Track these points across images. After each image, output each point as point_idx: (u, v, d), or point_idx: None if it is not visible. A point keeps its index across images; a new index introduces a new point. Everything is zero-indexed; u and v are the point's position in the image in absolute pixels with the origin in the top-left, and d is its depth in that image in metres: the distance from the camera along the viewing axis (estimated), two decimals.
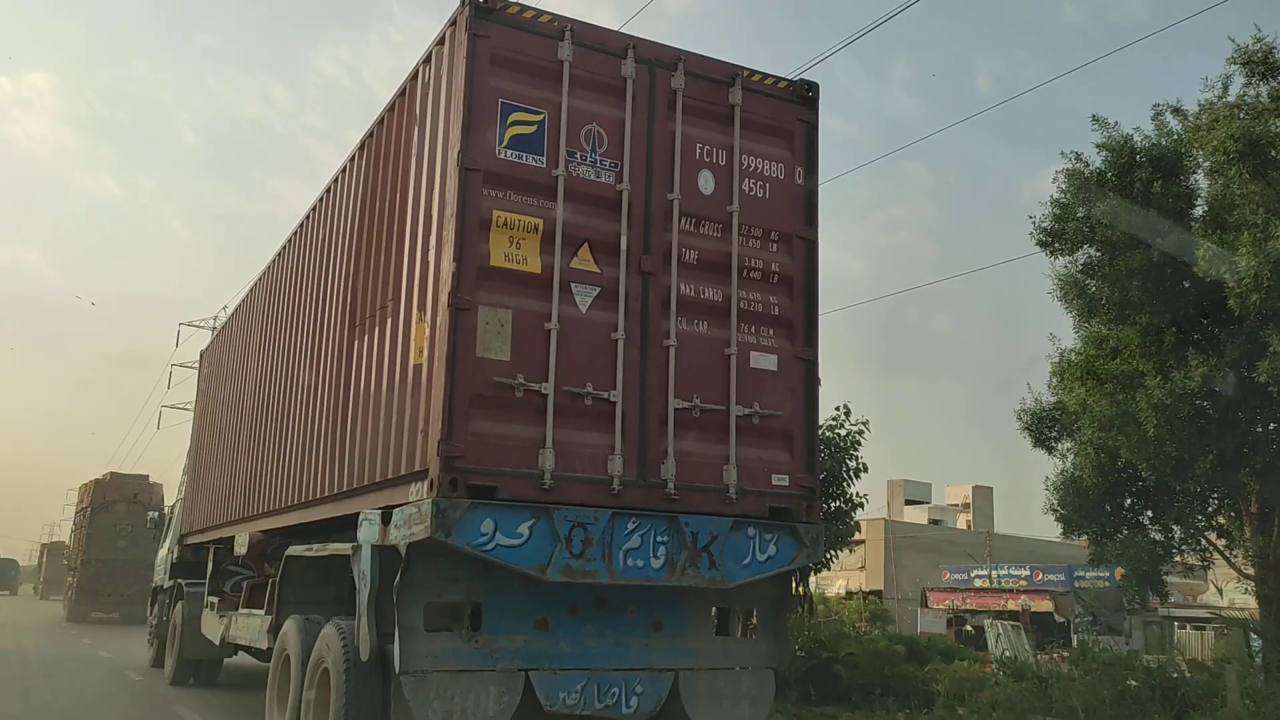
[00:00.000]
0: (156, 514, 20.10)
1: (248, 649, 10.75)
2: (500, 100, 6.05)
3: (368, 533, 6.30)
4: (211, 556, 12.29)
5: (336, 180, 8.62)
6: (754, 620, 7.13)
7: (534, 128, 6.13)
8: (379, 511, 6.21)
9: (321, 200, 9.09)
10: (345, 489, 7.26)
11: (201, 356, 15.57)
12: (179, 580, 13.79)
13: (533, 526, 5.70)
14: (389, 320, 6.74)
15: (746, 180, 6.75)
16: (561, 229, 6.10)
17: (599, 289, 6.19)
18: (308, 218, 9.57)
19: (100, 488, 31.72)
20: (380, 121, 7.57)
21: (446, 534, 5.49)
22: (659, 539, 6.03)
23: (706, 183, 6.63)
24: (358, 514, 6.70)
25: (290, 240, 10.22)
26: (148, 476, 33.06)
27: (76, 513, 36.40)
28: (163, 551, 16.44)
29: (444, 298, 5.82)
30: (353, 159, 8.21)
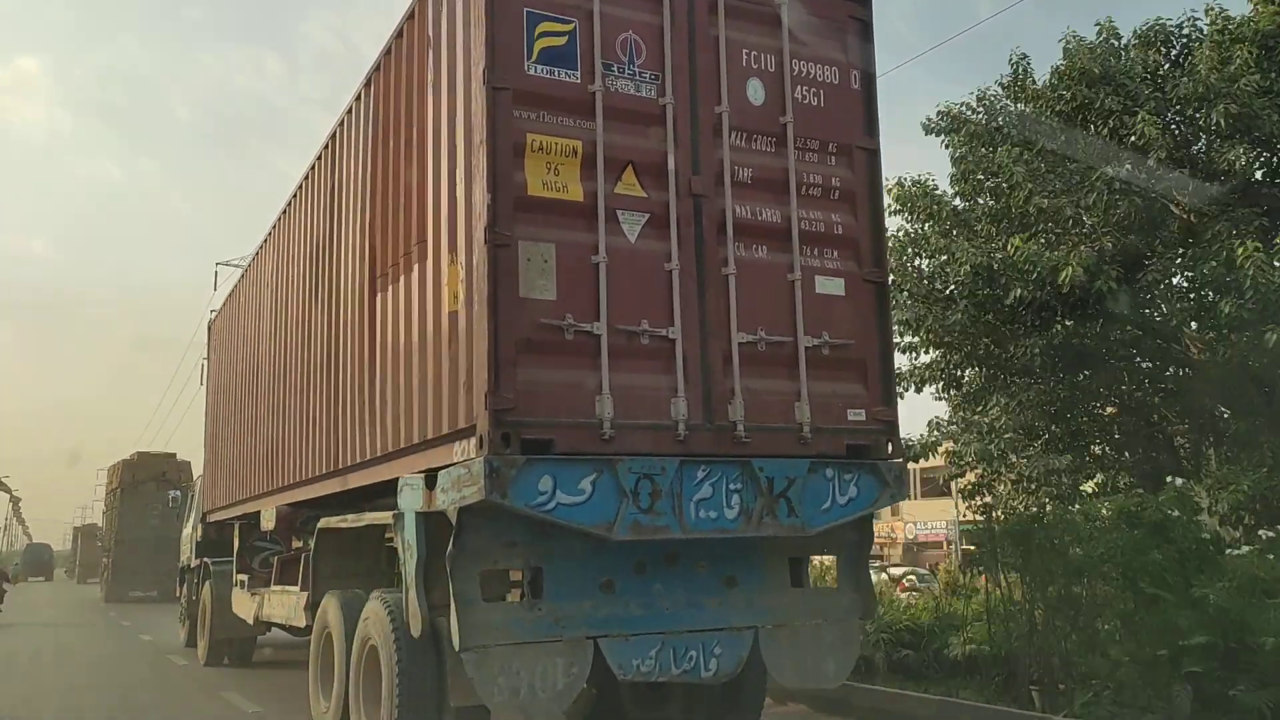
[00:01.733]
0: (178, 493, 19.72)
1: (283, 626, 10.33)
2: (525, 9, 5.40)
3: (410, 499, 5.77)
4: (237, 533, 11.85)
5: (342, 123, 7.97)
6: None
7: (564, 39, 5.49)
8: (421, 475, 5.67)
9: (326, 148, 8.44)
10: (378, 454, 6.72)
11: (209, 328, 14.99)
12: (205, 559, 13.41)
13: (595, 481, 5.15)
14: (415, 267, 6.14)
15: (799, 88, 6.10)
16: (603, 151, 5.48)
17: (647, 215, 5.59)
18: (312, 169, 8.93)
19: (128, 468, 31.66)
20: (387, 51, 6.91)
21: (502, 495, 4.94)
22: (732, 486, 5.48)
23: (756, 92, 5.99)
24: (391, 481, 6.20)
25: (295, 196, 9.59)
26: (174, 454, 33.05)
27: (106, 494, 36.42)
28: (187, 530, 16.07)
29: (479, 234, 5.22)
30: (358, 98, 7.55)
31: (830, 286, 6.03)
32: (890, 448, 6.06)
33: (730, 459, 5.52)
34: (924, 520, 46.18)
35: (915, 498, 48.27)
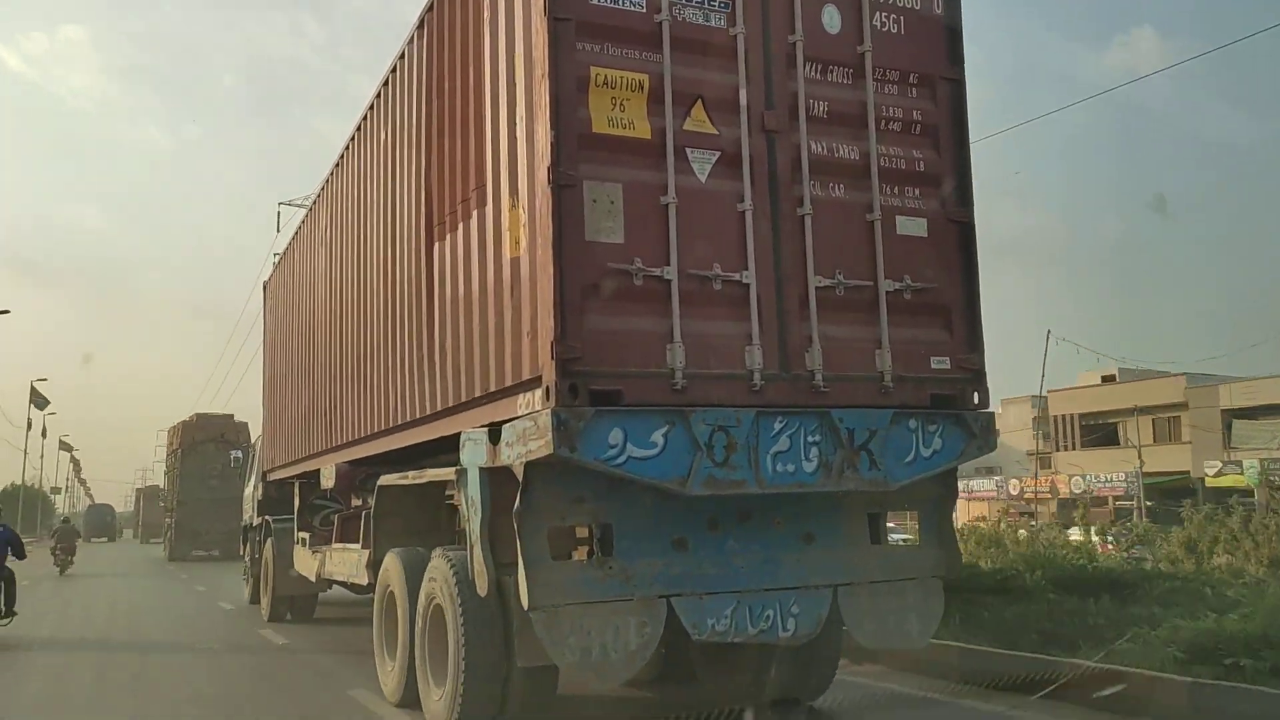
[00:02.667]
0: (239, 452, 19.96)
1: (345, 584, 10.30)
2: None
3: (473, 454, 5.56)
4: (297, 491, 11.84)
5: (394, 70, 7.71)
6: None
7: None
8: (484, 429, 5.46)
9: (379, 96, 8.20)
10: (439, 409, 6.52)
11: (265, 288, 14.95)
12: (266, 517, 13.46)
13: (667, 434, 4.89)
14: (474, 213, 5.89)
15: (877, 14, 5.72)
16: (670, 85, 5.16)
17: (718, 153, 5.27)
18: (365, 119, 8.70)
19: (187, 429, 32.13)
20: None
21: (571, 448, 4.71)
22: (810, 439, 5.19)
23: (831, 20, 5.62)
24: (452, 436, 6.00)
25: (347, 148, 9.37)
26: (233, 415, 33.48)
27: (167, 455, 37.11)
28: (248, 489, 16.19)
29: (541, 175, 4.94)
30: (410, 41, 7.28)
31: (912, 227, 5.68)
32: (976, 397, 5.73)
33: (808, 410, 5.24)
34: (1093, 472, 42.13)
35: (1075, 447, 45.52)
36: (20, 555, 12.28)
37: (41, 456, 64.97)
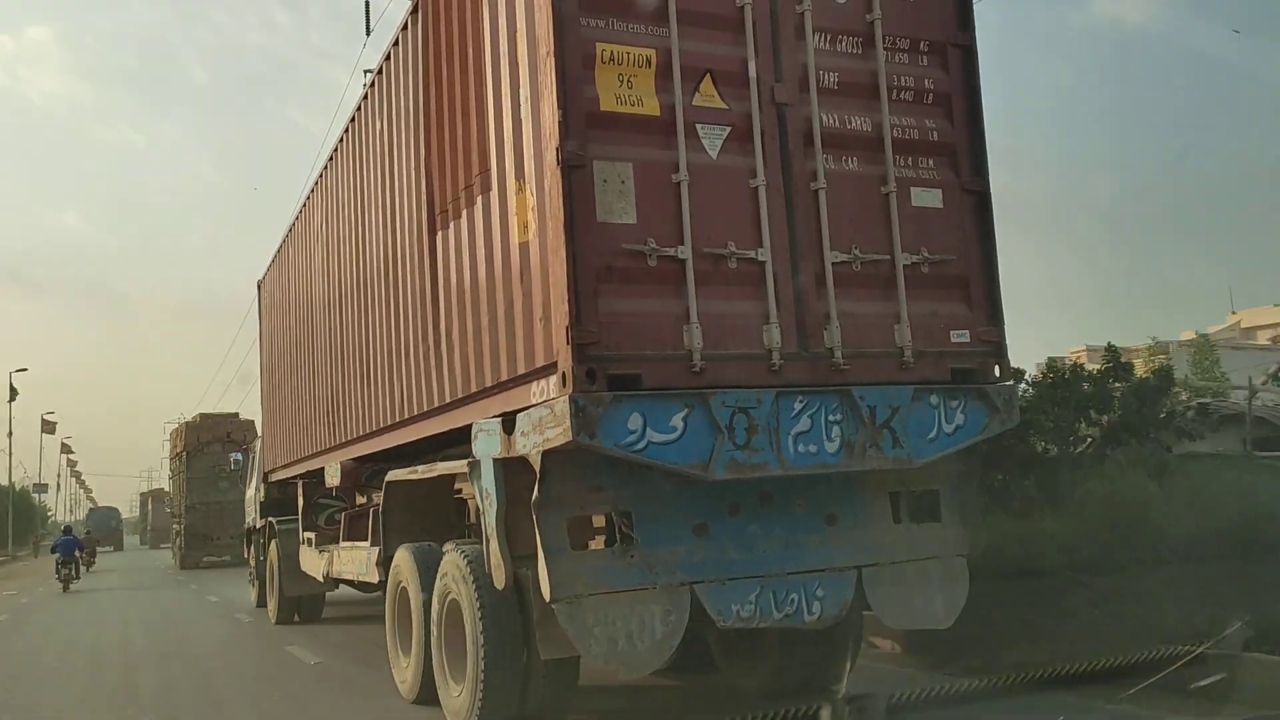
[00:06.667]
0: (239, 455, 19.74)
1: (353, 583, 10.19)
2: None
3: (486, 445, 5.44)
4: (301, 491, 11.72)
5: (388, 57, 7.56)
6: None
7: None
8: (497, 420, 5.34)
9: (373, 86, 8.05)
10: (447, 401, 6.40)
11: (259, 288, 14.78)
12: (270, 519, 13.35)
13: (687, 418, 4.76)
14: (479, 199, 5.75)
15: None
16: (678, 60, 5.02)
17: (729, 128, 5.14)
18: (359, 110, 8.55)
19: (192, 430, 31.08)
20: None
21: (590, 435, 4.58)
22: (831, 418, 5.07)
23: None
24: (461, 429, 5.89)
25: (341, 139, 9.22)
26: (238, 414, 32.70)
27: (171, 459, 35.84)
28: (250, 491, 16.07)
29: (549, 156, 4.81)
30: (405, 27, 7.12)
31: (927, 198, 5.56)
32: (998, 370, 5.62)
33: (828, 389, 5.12)
34: None
35: None
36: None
37: (40, 457, 62.72)
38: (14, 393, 50.25)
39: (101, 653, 11.43)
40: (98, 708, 8.17)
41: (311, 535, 11.10)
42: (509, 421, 5.18)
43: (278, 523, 12.84)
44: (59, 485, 76.26)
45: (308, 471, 11.18)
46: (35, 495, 64.32)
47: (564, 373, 4.68)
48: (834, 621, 5.49)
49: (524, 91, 5.15)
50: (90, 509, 71.40)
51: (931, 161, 5.60)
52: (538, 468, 4.91)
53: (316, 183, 10.41)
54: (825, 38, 5.42)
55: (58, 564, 22.60)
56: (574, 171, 4.74)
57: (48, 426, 52.46)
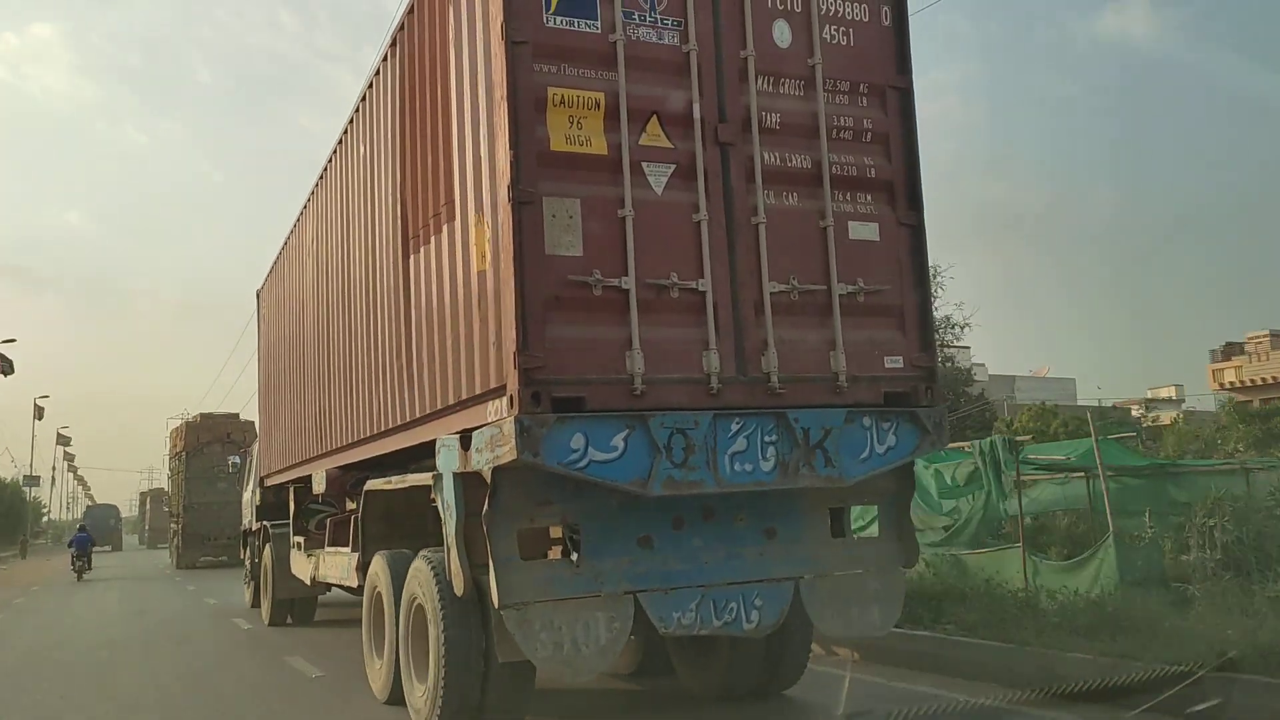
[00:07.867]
0: (237, 458, 20.12)
1: (340, 586, 10.53)
2: None
3: (447, 459, 5.80)
4: (292, 496, 12.09)
5: (370, 85, 7.94)
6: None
7: None
8: (456, 436, 5.70)
9: (358, 111, 8.43)
10: (417, 416, 6.77)
11: (258, 296, 15.18)
12: (264, 522, 13.70)
13: (627, 438, 5.11)
14: (445, 228, 6.12)
15: (827, 27, 5.93)
16: (626, 102, 5.38)
17: (674, 166, 5.49)
18: (345, 132, 8.93)
19: (192, 430, 31.21)
20: (410, 10, 6.84)
21: (534, 453, 4.94)
22: (767, 439, 5.41)
23: (782, 34, 5.83)
24: (429, 443, 6.23)
25: (331, 159, 9.61)
26: (238, 414, 32.81)
27: (171, 459, 35.80)
28: (247, 494, 16.43)
29: (503, 192, 5.17)
30: (385, 59, 7.51)
31: (864, 231, 5.89)
32: (930, 394, 5.95)
33: (764, 411, 5.46)
34: None
35: None
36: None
37: (32, 447, 59.72)
38: (8, 364, 49.20)
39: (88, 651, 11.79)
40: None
41: (301, 540, 11.46)
42: (466, 438, 5.54)
43: (271, 526, 13.19)
44: (54, 480, 72.82)
45: (299, 477, 11.54)
46: (26, 489, 61.25)
47: (511, 395, 5.04)
48: (772, 629, 5.82)
49: (483, 130, 5.50)
50: (87, 507, 69.21)
51: (869, 197, 5.94)
52: (489, 482, 5.27)
53: (309, 198, 10.79)
54: (768, 81, 5.76)
55: (73, 557, 27.21)
56: (524, 207, 5.09)
57: (39, 412, 51.21)
